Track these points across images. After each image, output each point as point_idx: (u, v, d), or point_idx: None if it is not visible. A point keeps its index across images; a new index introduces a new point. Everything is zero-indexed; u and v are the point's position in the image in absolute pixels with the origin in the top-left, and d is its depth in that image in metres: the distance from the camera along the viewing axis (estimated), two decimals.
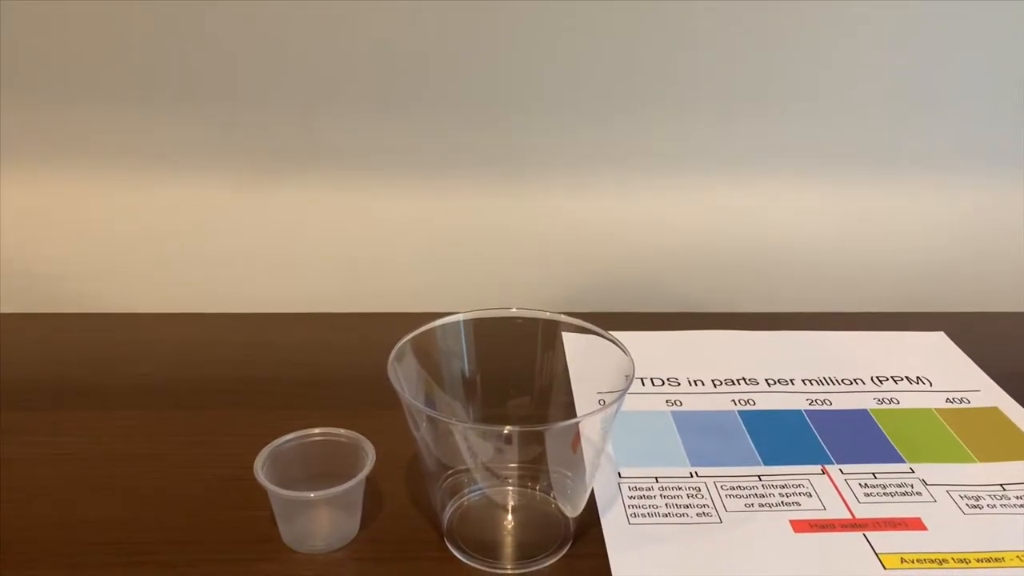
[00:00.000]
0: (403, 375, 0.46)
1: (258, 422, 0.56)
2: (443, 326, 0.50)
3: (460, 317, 0.50)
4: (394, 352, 0.46)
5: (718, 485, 0.52)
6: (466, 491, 0.49)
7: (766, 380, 0.63)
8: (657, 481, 0.53)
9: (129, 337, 0.69)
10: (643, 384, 0.62)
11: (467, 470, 0.47)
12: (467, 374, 0.50)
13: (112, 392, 0.61)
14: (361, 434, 0.49)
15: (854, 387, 0.63)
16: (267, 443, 0.48)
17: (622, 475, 0.53)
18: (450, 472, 0.47)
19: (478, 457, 0.46)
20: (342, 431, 0.49)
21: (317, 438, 0.49)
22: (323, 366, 0.65)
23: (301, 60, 0.70)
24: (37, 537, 0.47)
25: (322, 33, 0.69)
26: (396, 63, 0.70)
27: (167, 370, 0.64)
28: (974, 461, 0.55)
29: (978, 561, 0.47)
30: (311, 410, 0.57)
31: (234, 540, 0.47)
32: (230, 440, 0.55)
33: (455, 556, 0.47)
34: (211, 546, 0.47)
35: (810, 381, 0.63)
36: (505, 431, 0.43)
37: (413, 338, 0.48)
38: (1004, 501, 0.51)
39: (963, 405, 0.61)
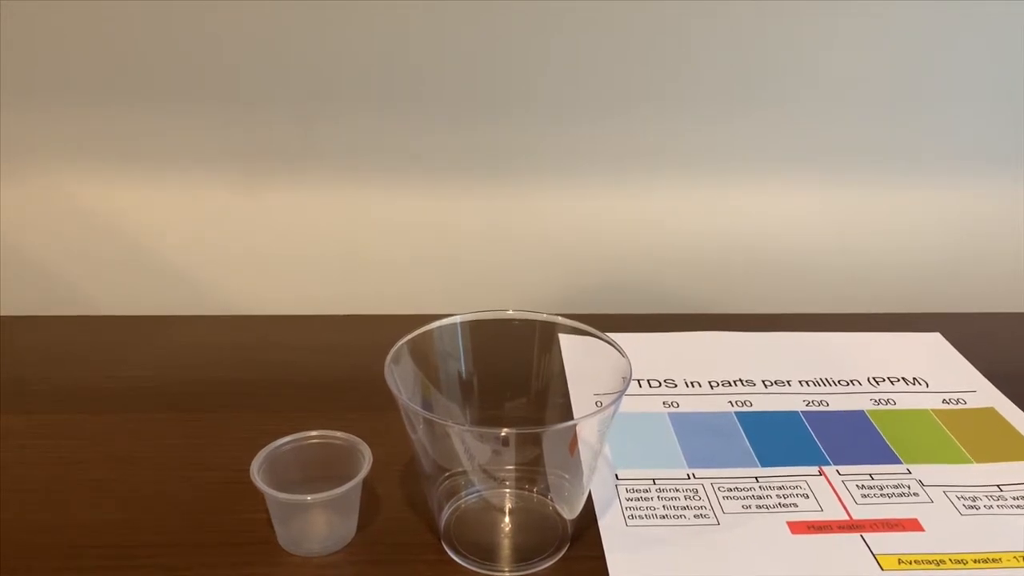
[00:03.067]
0: (400, 377, 0.46)
1: (254, 425, 0.56)
2: (440, 328, 0.50)
3: (457, 319, 0.50)
4: (391, 354, 0.46)
5: (715, 487, 0.52)
6: (463, 493, 0.49)
7: (763, 381, 0.63)
8: (654, 483, 0.53)
9: (124, 339, 0.69)
10: (640, 386, 0.62)
11: (464, 472, 0.47)
12: (464, 376, 0.50)
13: (108, 395, 0.61)
14: (358, 437, 0.49)
15: (851, 388, 0.63)
16: (263, 446, 0.48)
17: (619, 477, 0.53)
18: (447, 474, 0.47)
19: (475, 459, 0.46)
20: (339, 434, 0.49)
21: (314, 441, 0.49)
22: (320, 368, 0.65)
23: (299, 61, 0.70)
24: (33, 540, 0.47)
25: (320, 33, 0.69)
26: (394, 63, 0.70)
27: (163, 372, 0.64)
28: (971, 462, 0.55)
29: (975, 562, 0.47)
30: (308, 412, 0.56)
31: (230, 543, 0.47)
32: (226, 443, 0.55)
33: (452, 559, 0.47)
34: (207, 549, 0.47)
35: (807, 382, 0.63)
36: (502, 433, 0.43)
37: (410, 340, 0.48)
38: (1001, 502, 0.51)
39: (959, 406, 0.61)
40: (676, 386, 0.63)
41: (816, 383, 0.63)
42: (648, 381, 0.63)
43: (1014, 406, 0.61)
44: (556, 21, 0.70)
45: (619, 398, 0.44)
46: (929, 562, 0.47)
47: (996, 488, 0.53)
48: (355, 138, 0.73)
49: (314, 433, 0.49)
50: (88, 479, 0.52)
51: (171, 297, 0.76)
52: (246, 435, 0.53)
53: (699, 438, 0.57)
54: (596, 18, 0.70)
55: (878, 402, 0.61)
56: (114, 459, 0.54)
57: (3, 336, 0.68)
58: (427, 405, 0.48)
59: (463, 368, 0.50)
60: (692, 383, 0.63)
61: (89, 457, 0.54)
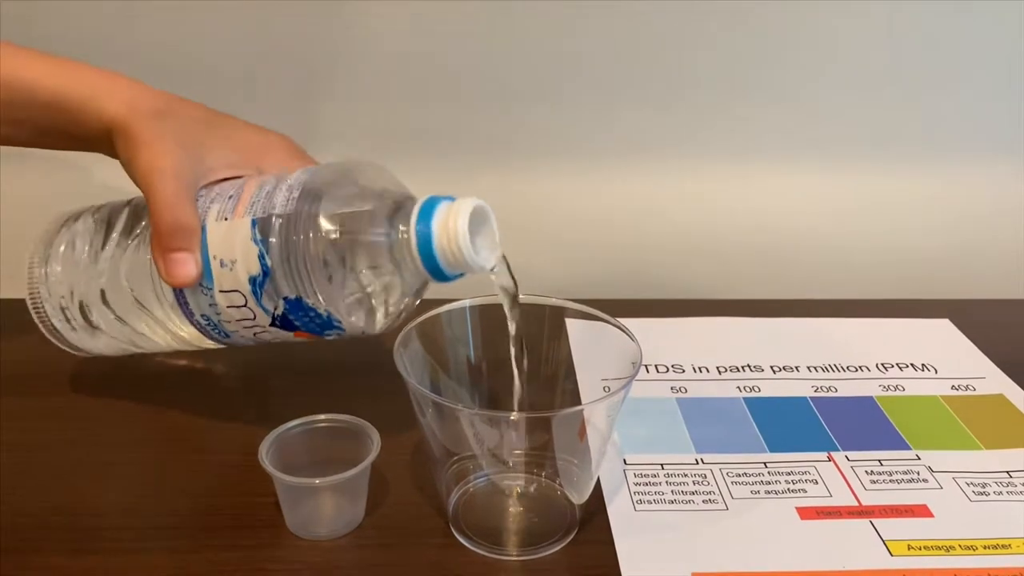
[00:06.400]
0: (409, 361, 0.46)
1: (263, 408, 0.56)
2: (449, 312, 0.49)
3: (466, 303, 0.50)
4: (400, 337, 0.46)
5: (724, 472, 0.52)
6: (472, 477, 0.48)
7: (771, 367, 0.63)
8: (663, 468, 0.52)
9: None
10: (648, 371, 0.62)
11: (473, 456, 0.47)
12: (473, 360, 0.50)
13: (116, 378, 0.61)
14: (366, 421, 0.49)
15: (859, 374, 0.62)
16: (272, 429, 0.48)
17: (627, 462, 0.53)
18: (456, 458, 0.47)
19: (484, 443, 0.46)
20: (347, 418, 0.49)
21: (322, 424, 0.49)
22: (328, 352, 0.64)
23: (300, 47, 0.70)
24: (40, 523, 0.47)
25: (321, 21, 0.69)
26: (398, 53, 0.70)
27: (171, 356, 0.64)
28: (980, 448, 0.55)
29: (985, 548, 0.47)
30: (316, 396, 0.56)
31: (238, 526, 0.47)
32: (235, 426, 0.55)
33: (460, 542, 0.47)
34: (215, 532, 0.47)
35: (815, 368, 0.63)
36: (512, 417, 0.43)
37: (419, 324, 0.48)
38: (1010, 488, 0.51)
39: (968, 392, 0.61)
40: (684, 371, 0.62)
41: (824, 369, 0.63)
42: (656, 366, 0.63)
43: (1023, 393, 0.61)
44: (561, 9, 0.69)
45: (629, 383, 0.44)
46: (939, 548, 0.47)
47: (1006, 475, 0.52)
48: (360, 126, 0.72)
49: (322, 417, 0.49)
50: (96, 462, 0.52)
51: None
52: (254, 418, 0.53)
53: (707, 423, 0.57)
54: (600, 9, 0.69)
55: (887, 388, 0.61)
56: (122, 442, 0.54)
57: (11, 318, 0.68)
58: (436, 389, 0.48)
59: (472, 352, 0.50)
60: (700, 368, 0.63)
61: (97, 440, 0.54)
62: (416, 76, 0.71)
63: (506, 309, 0.47)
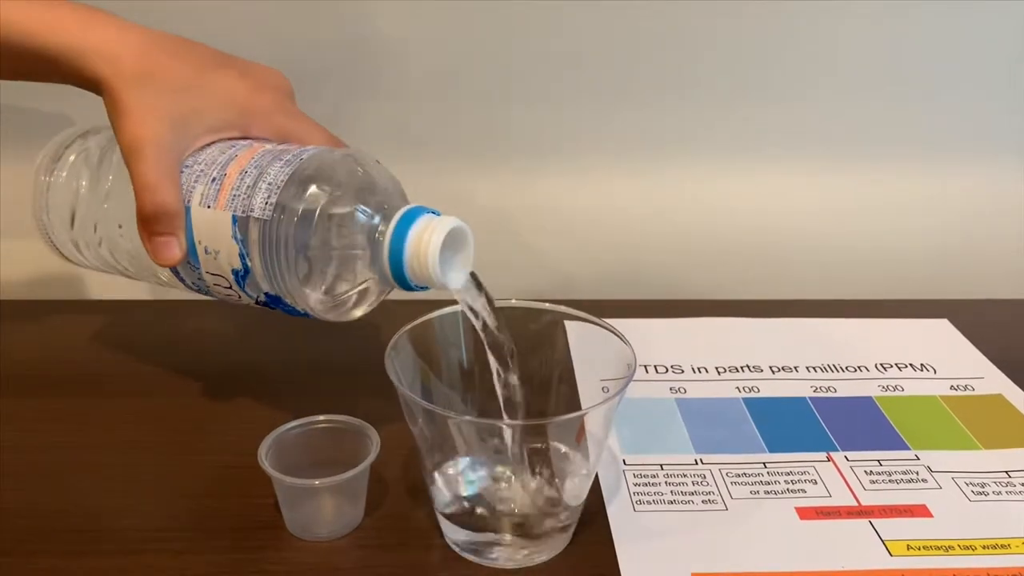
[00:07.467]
0: (400, 367, 0.45)
1: (262, 409, 0.56)
2: (441, 317, 0.49)
3: (459, 308, 0.49)
4: (391, 343, 0.46)
5: (723, 472, 0.52)
6: (466, 482, 0.48)
7: (770, 367, 0.63)
8: (662, 468, 0.53)
9: (131, 324, 0.69)
10: (647, 371, 0.62)
11: (468, 461, 0.47)
12: (466, 365, 0.49)
13: (114, 380, 0.61)
14: (366, 421, 0.49)
15: (858, 374, 0.62)
16: (271, 430, 0.48)
17: (627, 463, 0.53)
18: (450, 463, 0.47)
19: (479, 449, 0.46)
20: (347, 419, 0.49)
21: (322, 425, 0.49)
22: (328, 353, 0.64)
23: (301, 51, 0.70)
24: (39, 525, 0.47)
25: (326, 24, 0.69)
26: (397, 52, 0.70)
27: (170, 357, 0.64)
28: (979, 448, 0.55)
29: (984, 548, 0.47)
30: (315, 397, 0.56)
31: (238, 527, 0.47)
32: (234, 427, 0.55)
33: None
34: (215, 533, 0.47)
35: (814, 368, 0.63)
36: (506, 425, 0.43)
37: (410, 329, 0.47)
38: (1009, 488, 0.51)
39: (967, 392, 0.61)
40: (683, 372, 0.62)
41: (823, 369, 0.63)
42: (655, 367, 0.63)
43: (1022, 392, 0.61)
44: (560, 9, 0.69)
45: (624, 387, 0.44)
46: (938, 548, 0.47)
47: (1005, 475, 0.52)
48: (356, 125, 0.72)
49: (322, 418, 0.49)
50: (96, 463, 0.52)
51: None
52: (253, 420, 0.53)
53: (706, 424, 0.57)
54: (601, 8, 0.69)
55: (886, 388, 0.61)
56: (121, 444, 0.54)
57: (11, 318, 0.68)
58: (428, 394, 0.48)
59: (465, 357, 0.50)
60: (699, 369, 0.63)
61: (96, 442, 0.54)
62: (415, 75, 0.71)
63: (477, 328, 0.47)
